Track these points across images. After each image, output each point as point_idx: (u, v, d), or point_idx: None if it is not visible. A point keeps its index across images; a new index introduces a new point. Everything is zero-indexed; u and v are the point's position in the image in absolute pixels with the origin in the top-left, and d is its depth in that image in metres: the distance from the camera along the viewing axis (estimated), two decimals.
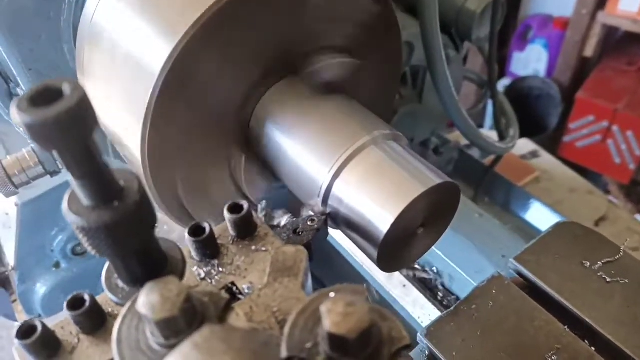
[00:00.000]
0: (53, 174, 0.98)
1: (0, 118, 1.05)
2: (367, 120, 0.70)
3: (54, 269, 1.43)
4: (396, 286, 0.98)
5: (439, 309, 0.94)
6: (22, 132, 0.95)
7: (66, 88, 0.32)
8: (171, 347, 0.37)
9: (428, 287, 0.98)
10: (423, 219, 0.67)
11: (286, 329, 0.39)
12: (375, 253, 0.64)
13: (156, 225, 0.41)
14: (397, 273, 0.99)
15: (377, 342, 0.37)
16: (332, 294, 0.39)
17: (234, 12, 0.61)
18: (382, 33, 0.80)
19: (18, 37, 0.79)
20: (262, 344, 0.32)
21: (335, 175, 0.65)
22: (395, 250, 0.66)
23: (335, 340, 0.35)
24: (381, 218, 0.62)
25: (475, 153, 1.79)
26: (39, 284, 1.42)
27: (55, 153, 0.34)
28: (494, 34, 1.23)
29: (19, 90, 0.93)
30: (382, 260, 0.66)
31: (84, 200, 0.37)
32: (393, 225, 0.61)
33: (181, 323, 0.37)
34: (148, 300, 0.36)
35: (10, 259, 1.42)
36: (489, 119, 3.39)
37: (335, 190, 0.66)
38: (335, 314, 0.34)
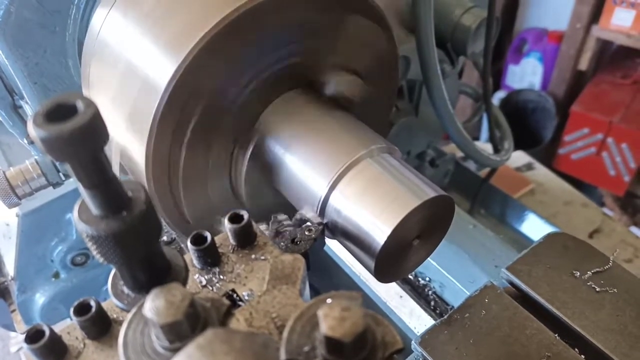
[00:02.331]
0: (55, 185, 0.99)
1: (3, 129, 1.07)
2: (363, 134, 0.72)
3: (53, 279, 1.44)
4: (392, 297, 0.99)
5: (434, 319, 0.95)
6: (26, 145, 0.97)
7: (80, 104, 0.34)
8: (175, 351, 0.39)
9: (423, 297, 0.99)
10: (418, 231, 0.69)
11: (285, 334, 0.41)
12: (372, 264, 0.66)
13: (161, 234, 0.43)
14: (393, 284, 1.00)
15: (371, 345, 0.39)
16: (328, 300, 0.41)
17: (237, 31, 0.63)
18: (384, 56, 0.83)
19: (24, 51, 0.81)
20: (261, 345, 0.34)
21: (332, 187, 0.67)
22: (392, 261, 0.68)
23: (331, 344, 0.37)
24: (378, 230, 0.64)
25: (471, 165, 1.81)
26: (38, 294, 1.44)
27: (67, 165, 0.36)
28: (489, 49, 1.26)
29: (22, 103, 0.95)
30: (379, 271, 0.68)
31: (94, 209, 0.39)
32: (389, 237, 0.63)
33: (185, 327, 0.39)
34: (154, 305, 0.38)
35: (10, 269, 1.43)
36: (485, 132, 3.43)
37: (332, 201, 0.68)
38: (331, 319, 0.36)
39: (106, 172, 0.37)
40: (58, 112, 0.34)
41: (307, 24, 0.71)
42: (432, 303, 0.99)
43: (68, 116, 0.34)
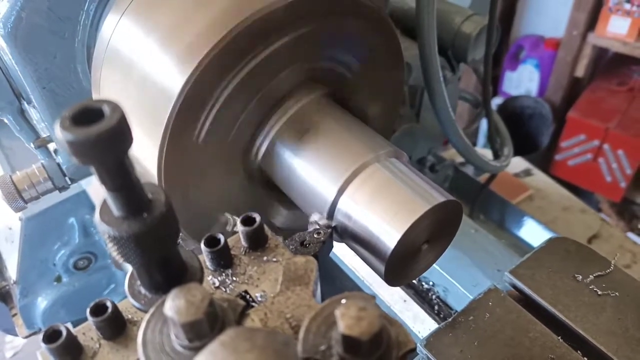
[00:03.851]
0: (61, 189, 1.00)
1: (6, 134, 1.08)
2: (371, 139, 0.74)
3: (55, 283, 1.45)
4: (397, 301, 1.00)
5: (438, 324, 0.96)
6: (32, 149, 0.98)
7: (106, 108, 0.35)
8: (194, 350, 0.40)
9: (427, 301, 1.00)
10: (427, 235, 0.70)
11: (300, 333, 0.42)
12: (382, 268, 0.67)
13: (179, 235, 0.44)
14: (398, 288, 1.01)
15: (386, 344, 0.40)
16: (343, 301, 0.42)
17: (246, 41, 0.65)
18: (386, 58, 0.84)
19: (34, 56, 0.82)
20: (282, 343, 0.35)
21: (341, 191, 0.68)
22: (401, 265, 0.69)
23: (348, 342, 0.38)
24: (388, 235, 0.65)
25: (469, 171, 1.83)
26: (40, 298, 1.44)
27: (91, 167, 0.37)
28: (489, 56, 1.28)
29: (28, 108, 0.96)
30: (388, 275, 0.68)
31: (115, 211, 0.40)
32: (399, 242, 0.64)
33: (205, 326, 0.39)
34: (174, 304, 0.39)
35: (12, 273, 1.44)
36: (482, 138, 3.45)
37: (341, 205, 0.69)
38: (348, 317, 0.37)
39: (129, 175, 0.38)
40: (84, 116, 0.35)
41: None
42: (436, 307, 1.00)
43: (94, 120, 0.35)
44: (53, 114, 0.89)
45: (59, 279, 1.44)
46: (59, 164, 0.97)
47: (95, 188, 1.32)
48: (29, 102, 0.93)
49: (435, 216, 0.66)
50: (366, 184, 0.68)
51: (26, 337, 1.47)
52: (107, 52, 0.74)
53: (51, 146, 0.98)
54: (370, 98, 0.87)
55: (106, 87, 0.76)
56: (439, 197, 0.66)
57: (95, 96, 0.80)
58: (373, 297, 0.43)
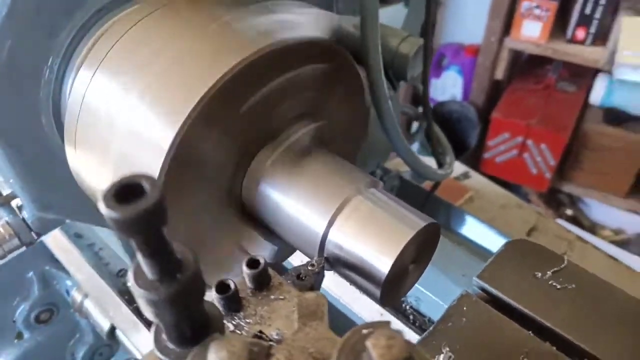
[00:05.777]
0: (29, 244, 0.98)
1: None
2: (350, 173, 0.79)
3: (16, 340, 1.39)
4: (374, 316, 1.05)
5: (415, 332, 1.02)
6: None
7: (145, 184, 0.38)
8: None
9: (401, 312, 1.06)
10: (413, 256, 0.75)
11: None
12: (378, 292, 0.72)
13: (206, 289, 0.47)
14: (372, 302, 1.06)
15: None
16: (364, 331, 0.46)
17: (226, 94, 0.67)
18: (344, 83, 0.89)
19: None
20: None
21: (330, 224, 0.73)
22: (393, 286, 0.74)
23: None
24: (381, 261, 0.70)
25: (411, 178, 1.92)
26: (1, 359, 1.38)
27: (131, 240, 0.40)
28: (427, 73, 1.36)
29: None
30: (383, 297, 0.74)
31: (150, 275, 0.42)
32: (392, 267, 0.69)
33: None
34: (218, 356, 0.41)
35: None
36: (415, 146, 3.59)
37: (332, 237, 0.73)
38: (380, 347, 0.41)
39: (165, 243, 0.41)
40: (125, 193, 0.38)
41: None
42: (411, 317, 1.06)
43: (134, 195, 0.37)
44: (17, 170, 0.87)
45: (19, 336, 1.39)
46: (24, 219, 0.96)
47: (53, 238, 1.29)
48: None
49: (420, 238, 0.72)
50: (352, 216, 0.72)
51: None
52: (83, 108, 0.74)
53: (14, 203, 0.97)
54: (339, 131, 0.91)
55: (84, 140, 0.76)
56: (420, 221, 0.72)
57: (70, 151, 0.80)
58: (388, 322, 0.47)
